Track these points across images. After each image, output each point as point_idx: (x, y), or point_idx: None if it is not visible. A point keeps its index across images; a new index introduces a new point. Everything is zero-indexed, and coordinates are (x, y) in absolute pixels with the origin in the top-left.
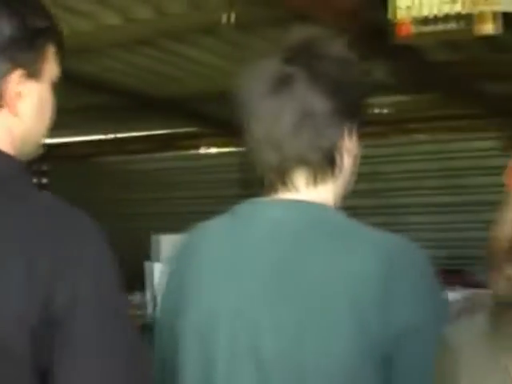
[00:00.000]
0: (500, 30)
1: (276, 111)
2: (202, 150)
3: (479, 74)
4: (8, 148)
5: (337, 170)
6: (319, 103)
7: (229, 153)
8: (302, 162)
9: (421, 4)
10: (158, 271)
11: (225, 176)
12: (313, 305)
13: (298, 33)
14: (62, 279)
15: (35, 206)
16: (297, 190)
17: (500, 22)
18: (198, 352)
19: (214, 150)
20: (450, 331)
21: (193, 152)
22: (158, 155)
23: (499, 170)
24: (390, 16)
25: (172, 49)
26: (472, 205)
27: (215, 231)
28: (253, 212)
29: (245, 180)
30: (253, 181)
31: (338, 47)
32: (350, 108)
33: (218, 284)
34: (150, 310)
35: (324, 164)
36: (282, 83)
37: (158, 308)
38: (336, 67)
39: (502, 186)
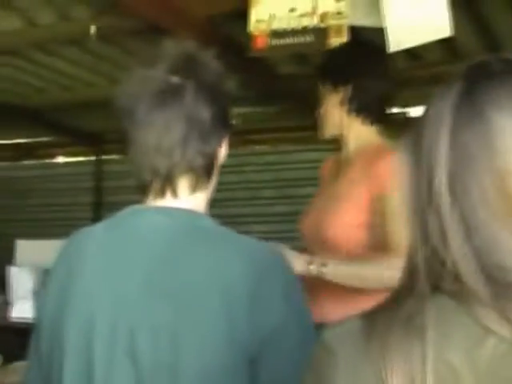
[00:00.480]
0: None
1: (166, 121)
2: (60, 159)
3: None
4: None
5: (212, 178)
6: (205, 112)
7: (85, 162)
8: (189, 168)
9: (279, 17)
10: (16, 275)
11: (79, 184)
12: (185, 307)
13: (174, 45)
14: None
15: None
16: (178, 196)
17: (349, 35)
18: (78, 357)
19: (70, 159)
20: (328, 333)
21: (50, 161)
22: (17, 163)
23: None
24: (248, 29)
25: (37, 59)
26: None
27: (95, 237)
28: (133, 219)
29: (98, 188)
30: (105, 189)
31: (213, 59)
32: (226, 116)
33: (96, 289)
34: (11, 312)
35: (206, 170)
36: (171, 93)
37: (37, 313)
38: (215, 78)
39: None
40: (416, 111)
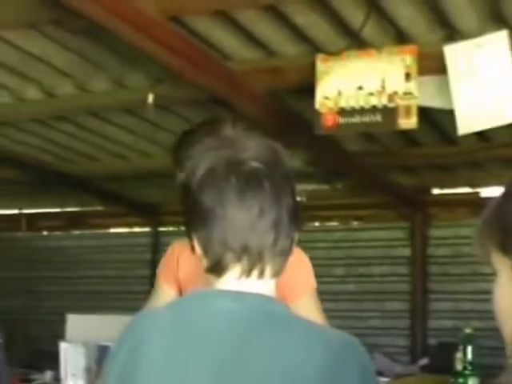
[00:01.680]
0: (419, 125)
1: (260, 204)
2: (113, 230)
3: (391, 165)
4: None
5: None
6: (289, 199)
7: (140, 233)
8: (279, 252)
9: (346, 95)
10: (66, 351)
11: (135, 256)
12: None
13: (254, 135)
14: None
15: None
16: (263, 278)
17: (418, 116)
18: None
19: (124, 230)
20: None
21: (103, 231)
22: (68, 233)
23: (406, 260)
24: (316, 106)
25: (90, 126)
26: (376, 293)
27: (161, 321)
28: (200, 304)
29: (155, 260)
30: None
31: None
32: (298, 208)
33: (162, 377)
34: None
35: (285, 262)
36: (260, 179)
37: None
38: (290, 170)
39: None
40: (486, 192)
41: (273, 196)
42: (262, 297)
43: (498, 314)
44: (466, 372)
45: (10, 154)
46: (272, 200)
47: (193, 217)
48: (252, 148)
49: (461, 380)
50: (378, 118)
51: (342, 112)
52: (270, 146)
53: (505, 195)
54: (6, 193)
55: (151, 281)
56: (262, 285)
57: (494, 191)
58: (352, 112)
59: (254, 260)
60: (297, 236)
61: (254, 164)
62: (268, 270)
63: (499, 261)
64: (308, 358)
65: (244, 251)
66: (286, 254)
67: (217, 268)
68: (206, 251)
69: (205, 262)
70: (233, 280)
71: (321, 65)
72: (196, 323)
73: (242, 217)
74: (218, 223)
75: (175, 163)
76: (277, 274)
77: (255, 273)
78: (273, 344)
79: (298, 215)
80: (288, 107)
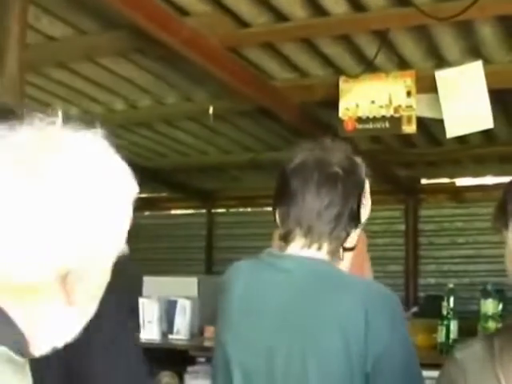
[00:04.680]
0: (416, 130)
1: (330, 199)
2: (177, 211)
3: (392, 161)
4: None
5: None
6: (354, 201)
7: (197, 214)
8: (333, 238)
9: (362, 107)
10: (144, 305)
11: (194, 232)
12: (313, 335)
13: (337, 145)
14: None
15: None
16: (320, 252)
17: (416, 124)
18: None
19: (185, 211)
20: (459, 353)
21: (169, 212)
22: (142, 213)
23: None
24: (339, 114)
25: (163, 131)
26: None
27: (243, 274)
28: (271, 262)
29: (209, 235)
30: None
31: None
32: (359, 209)
33: (239, 317)
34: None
35: (339, 246)
36: (336, 179)
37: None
38: (362, 178)
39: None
40: (462, 182)
41: (342, 196)
42: (317, 260)
43: (508, 265)
44: (449, 316)
45: None
46: (340, 199)
47: (279, 195)
48: (338, 156)
49: (445, 322)
50: (387, 124)
51: (359, 120)
52: (353, 158)
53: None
54: None
55: (206, 251)
56: (318, 254)
57: (467, 181)
58: (367, 120)
59: (314, 239)
60: (354, 231)
61: (336, 168)
62: (324, 248)
63: (505, 235)
64: (351, 306)
65: (309, 231)
66: (339, 240)
67: (287, 238)
68: (282, 223)
69: (280, 231)
70: (297, 248)
71: (343, 84)
72: (265, 277)
73: (314, 205)
74: (296, 204)
75: None
76: (332, 252)
77: (314, 246)
78: (325, 296)
79: (357, 217)
80: (317, 116)
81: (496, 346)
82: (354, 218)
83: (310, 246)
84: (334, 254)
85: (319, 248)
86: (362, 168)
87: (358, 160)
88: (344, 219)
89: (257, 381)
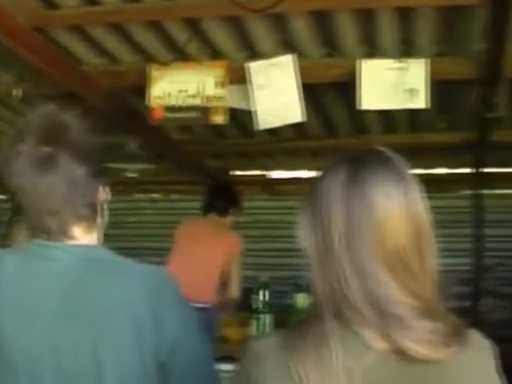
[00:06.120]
0: (227, 121)
1: (50, 185)
2: None
3: (203, 151)
4: None
5: (99, 219)
6: (79, 170)
7: None
8: (78, 219)
9: (172, 96)
10: None
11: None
12: (99, 326)
13: (39, 115)
14: None
15: None
16: (76, 238)
17: (227, 114)
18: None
19: None
20: (256, 343)
21: None
22: None
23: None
24: (146, 102)
25: None
26: None
27: (6, 266)
28: (40, 252)
29: None
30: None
31: (77, 121)
32: (99, 169)
33: (15, 312)
34: None
35: (93, 216)
36: (46, 162)
37: None
38: (82, 138)
39: None
40: (273, 174)
41: (59, 175)
42: (85, 246)
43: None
44: (264, 310)
45: None
46: (59, 179)
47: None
48: (36, 132)
49: (257, 315)
50: (195, 114)
51: (168, 108)
52: (55, 122)
53: None
54: None
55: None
56: (88, 240)
57: (279, 174)
58: (176, 109)
59: (58, 233)
60: (100, 197)
61: (38, 150)
62: (76, 234)
63: None
64: (135, 292)
65: (48, 232)
66: (86, 218)
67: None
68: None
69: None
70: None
71: (154, 72)
72: (37, 268)
73: (37, 202)
74: (26, 212)
75: None
76: (86, 232)
77: (66, 239)
78: (105, 282)
79: (93, 182)
80: (127, 103)
81: (291, 339)
82: (90, 186)
83: (65, 234)
84: (91, 229)
85: (85, 234)
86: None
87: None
88: (77, 195)
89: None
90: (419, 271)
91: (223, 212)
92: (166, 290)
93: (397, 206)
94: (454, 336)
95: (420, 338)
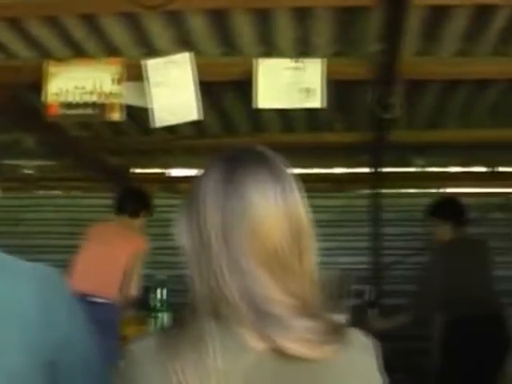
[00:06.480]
0: (124, 118)
1: None
2: None
3: (102, 148)
4: None
5: None
6: None
7: None
8: None
9: (68, 92)
10: None
11: None
12: None
13: None
14: None
15: None
16: None
17: (124, 111)
18: None
19: None
20: (135, 346)
21: None
22: None
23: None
24: (43, 99)
25: None
26: None
27: None
28: None
29: None
30: None
31: None
32: None
33: None
34: None
35: None
36: None
37: None
38: None
39: None
40: (173, 172)
41: None
42: None
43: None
44: (162, 308)
45: None
46: None
47: None
48: None
49: (155, 314)
50: (91, 111)
51: (65, 105)
52: None
53: None
54: None
55: None
56: None
57: (179, 172)
58: (72, 105)
59: None
60: None
61: None
62: None
63: None
64: (25, 291)
65: None
66: None
67: None
68: None
69: None
70: None
71: (51, 68)
72: None
73: None
74: None
75: None
76: None
77: None
78: None
79: None
80: (24, 99)
81: (170, 340)
82: None
83: None
84: None
85: None
86: None
87: None
88: None
89: None
90: (298, 270)
91: (134, 215)
92: (56, 289)
93: (273, 206)
94: (334, 335)
95: (298, 337)
